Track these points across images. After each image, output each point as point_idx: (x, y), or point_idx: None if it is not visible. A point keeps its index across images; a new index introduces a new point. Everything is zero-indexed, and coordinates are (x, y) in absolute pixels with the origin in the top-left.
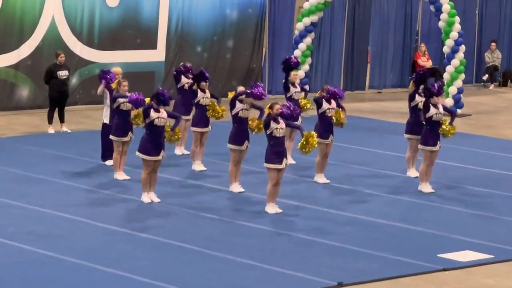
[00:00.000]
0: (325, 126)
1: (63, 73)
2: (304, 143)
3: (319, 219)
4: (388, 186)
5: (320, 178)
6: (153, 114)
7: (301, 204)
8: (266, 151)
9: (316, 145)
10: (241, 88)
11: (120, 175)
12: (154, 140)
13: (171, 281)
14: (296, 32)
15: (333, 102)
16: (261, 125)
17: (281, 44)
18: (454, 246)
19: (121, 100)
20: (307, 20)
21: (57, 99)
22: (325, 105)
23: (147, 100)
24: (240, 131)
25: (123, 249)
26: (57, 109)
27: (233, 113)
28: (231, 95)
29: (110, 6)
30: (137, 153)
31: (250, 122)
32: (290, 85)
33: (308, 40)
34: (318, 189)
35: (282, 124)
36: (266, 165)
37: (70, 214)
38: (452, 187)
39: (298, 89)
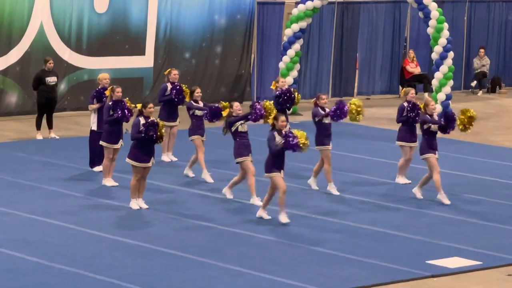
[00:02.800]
0: (325, 134)
1: (51, 79)
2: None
3: (309, 226)
4: (376, 193)
5: (332, 189)
6: (143, 121)
7: (290, 211)
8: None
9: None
10: (236, 108)
11: (109, 182)
12: (145, 147)
13: None
14: (285, 38)
15: (327, 110)
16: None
17: (270, 50)
18: (443, 252)
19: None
20: (295, 26)
21: (45, 105)
22: (321, 113)
23: (139, 106)
24: (243, 144)
25: (112, 256)
26: (45, 115)
27: (232, 130)
28: (225, 113)
29: (99, 12)
30: (127, 159)
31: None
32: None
33: (296, 46)
34: (307, 196)
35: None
36: (267, 175)
37: (59, 221)
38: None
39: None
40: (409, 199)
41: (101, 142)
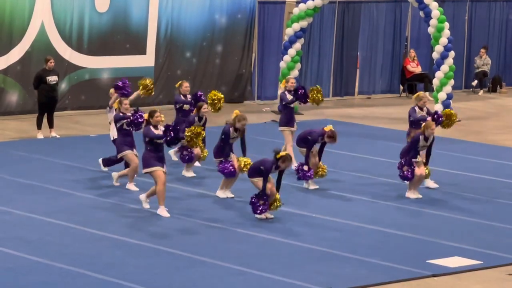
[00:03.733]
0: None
1: (52, 79)
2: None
3: (308, 224)
4: (377, 192)
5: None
6: (153, 132)
7: (290, 209)
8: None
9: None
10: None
11: (132, 186)
12: (156, 155)
13: (160, 287)
14: (286, 38)
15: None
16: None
17: (271, 50)
18: (443, 252)
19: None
20: (296, 26)
21: (46, 104)
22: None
23: (145, 116)
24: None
25: (113, 255)
26: (46, 114)
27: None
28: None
29: (100, 11)
30: (144, 170)
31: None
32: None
33: (297, 45)
34: (307, 194)
35: None
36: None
37: (60, 220)
38: (441, 192)
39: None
40: (408, 198)
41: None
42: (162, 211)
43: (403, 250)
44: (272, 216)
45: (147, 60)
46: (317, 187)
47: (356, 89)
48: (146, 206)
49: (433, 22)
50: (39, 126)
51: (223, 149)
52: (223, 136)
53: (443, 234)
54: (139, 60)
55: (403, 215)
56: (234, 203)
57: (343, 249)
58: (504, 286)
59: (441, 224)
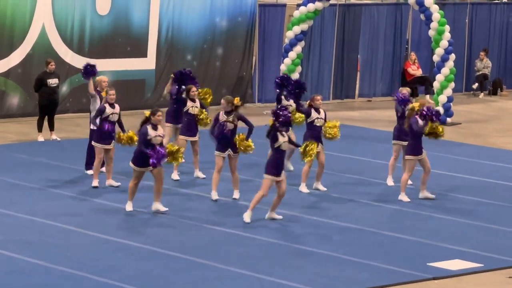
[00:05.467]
0: (313, 135)
1: (53, 81)
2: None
3: (309, 227)
4: (377, 195)
5: (303, 188)
6: (151, 132)
7: (290, 212)
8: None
9: (314, 153)
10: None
11: (108, 182)
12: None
13: None
14: (286, 41)
15: (322, 111)
16: (249, 146)
17: (271, 53)
18: (444, 254)
19: (108, 111)
20: (297, 29)
21: (47, 107)
22: (314, 115)
23: (147, 113)
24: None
25: (113, 258)
26: (46, 117)
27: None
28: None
29: (101, 14)
30: (131, 163)
31: (238, 141)
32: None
33: (298, 48)
34: (307, 197)
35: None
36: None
37: (60, 223)
38: (442, 195)
39: (291, 102)
40: (410, 201)
41: (93, 143)
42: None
43: (403, 252)
44: (281, 217)
45: (148, 63)
46: (325, 189)
47: (357, 92)
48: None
49: (433, 25)
50: (39, 129)
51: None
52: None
53: (443, 237)
54: (140, 63)
55: (404, 218)
56: (235, 206)
57: (344, 251)
58: None
59: (442, 227)
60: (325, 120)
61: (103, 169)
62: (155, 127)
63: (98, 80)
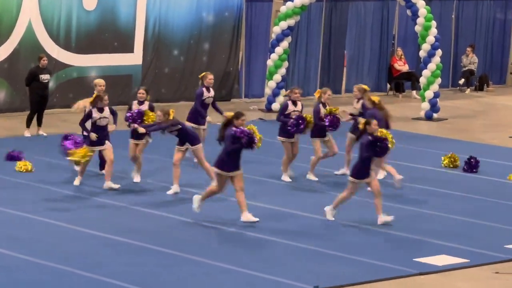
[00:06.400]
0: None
1: (45, 77)
2: None
3: (295, 223)
4: (364, 191)
5: (285, 177)
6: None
7: (276, 208)
8: None
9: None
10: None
11: (107, 184)
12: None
13: (150, 286)
14: (273, 36)
15: (299, 104)
16: None
17: (258, 48)
18: (430, 250)
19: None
20: (284, 24)
21: (38, 102)
22: (290, 107)
23: (229, 114)
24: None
25: (103, 253)
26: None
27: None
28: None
29: (87, 9)
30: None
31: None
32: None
33: (284, 43)
34: (293, 192)
35: None
36: None
37: (49, 219)
38: (428, 191)
39: (299, 107)
40: (395, 196)
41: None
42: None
43: (390, 248)
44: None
45: (135, 58)
46: (316, 179)
47: (343, 87)
48: (197, 208)
49: (420, 20)
50: (28, 124)
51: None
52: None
53: (429, 233)
54: (127, 58)
55: (389, 214)
56: (223, 202)
57: (330, 247)
58: (491, 284)
59: (428, 223)
60: (300, 113)
61: (104, 171)
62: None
63: (95, 83)
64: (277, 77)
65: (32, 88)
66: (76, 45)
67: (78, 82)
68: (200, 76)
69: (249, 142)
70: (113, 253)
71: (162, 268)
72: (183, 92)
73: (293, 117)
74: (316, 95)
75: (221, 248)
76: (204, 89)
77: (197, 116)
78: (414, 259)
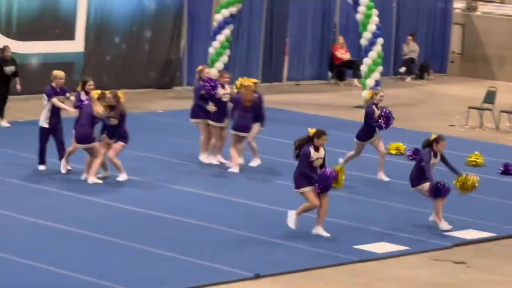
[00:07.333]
0: (220, 111)
1: (9, 69)
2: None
3: (235, 210)
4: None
5: (203, 157)
6: (313, 154)
7: (216, 195)
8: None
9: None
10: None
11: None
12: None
13: (89, 273)
14: (215, 24)
15: (227, 87)
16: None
17: (200, 36)
18: (370, 237)
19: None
20: (226, 12)
21: (2, 95)
22: (220, 91)
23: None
24: None
25: (42, 241)
26: None
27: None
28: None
29: None
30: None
31: None
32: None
33: (226, 32)
34: (232, 179)
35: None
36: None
37: None
38: (369, 179)
39: (228, 90)
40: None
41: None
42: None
43: (330, 235)
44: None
45: (76, 45)
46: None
47: (285, 75)
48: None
49: (361, 9)
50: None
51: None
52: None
53: (370, 220)
54: (68, 45)
55: (331, 201)
56: (163, 190)
57: (272, 235)
58: (430, 271)
59: (368, 210)
60: (230, 95)
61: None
62: (317, 149)
63: (55, 75)
64: (219, 65)
65: None
66: (17, 31)
67: (19, 69)
68: (197, 70)
69: (325, 187)
70: (53, 241)
71: (101, 255)
72: (125, 79)
73: (225, 99)
74: (368, 96)
75: (159, 235)
76: (202, 83)
77: (198, 110)
78: (354, 246)
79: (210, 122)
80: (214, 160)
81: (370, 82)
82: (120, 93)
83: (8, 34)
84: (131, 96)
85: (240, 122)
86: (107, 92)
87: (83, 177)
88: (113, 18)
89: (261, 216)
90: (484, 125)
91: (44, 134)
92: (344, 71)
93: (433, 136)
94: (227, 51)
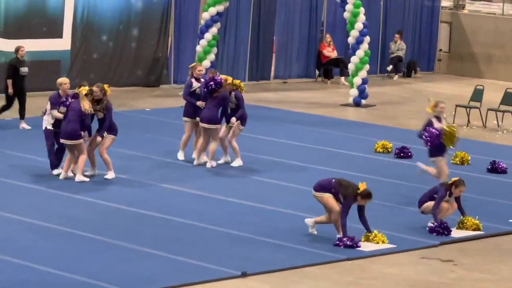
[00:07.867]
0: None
1: (24, 70)
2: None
3: (223, 208)
4: (291, 176)
5: (180, 155)
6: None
7: (205, 194)
8: None
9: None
10: None
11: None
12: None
13: (76, 271)
14: (202, 22)
15: (202, 80)
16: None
17: (187, 34)
18: (358, 236)
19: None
20: (213, 10)
21: (17, 96)
22: (195, 84)
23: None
24: None
25: (28, 239)
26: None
27: None
28: None
29: None
30: None
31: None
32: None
33: (214, 30)
34: (222, 178)
35: None
36: None
37: None
38: (354, 176)
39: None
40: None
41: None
42: None
43: (318, 234)
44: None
45: (64, 43)
46: (241, 164)
47: (272, 74)
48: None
49: (348, 7)
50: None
51: None
52: None
53: (356, 218)
54: (56, 43)
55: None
56: (151, 188)
57: (259, 233)
58: (417, 269)
59: (355, 209)
60: None
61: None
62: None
63: (59, 82)
64: (206, 63)
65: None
66: (5, 29)
67: (6, 67)
68: (190, 66)
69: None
70: (39, 239)
71: (88, 253)
72: (111, 77)
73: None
74: (430, 110)
75: (148, 233)
76: (193, 80)
77: (188, 108)
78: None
79: (201, 123)
80: (206, 159)
81: (357, 80)
82: (107, 86)
83: None
84: (118, 94)
85: (205, 112)
86: (94, 87)
87: (55, 172)
88: (100, 16)
89: (248, 214)
90: (471, 123)
91: (48, 135)
92: (331, 69)
93: (454, 179)
94: (215, 49)
